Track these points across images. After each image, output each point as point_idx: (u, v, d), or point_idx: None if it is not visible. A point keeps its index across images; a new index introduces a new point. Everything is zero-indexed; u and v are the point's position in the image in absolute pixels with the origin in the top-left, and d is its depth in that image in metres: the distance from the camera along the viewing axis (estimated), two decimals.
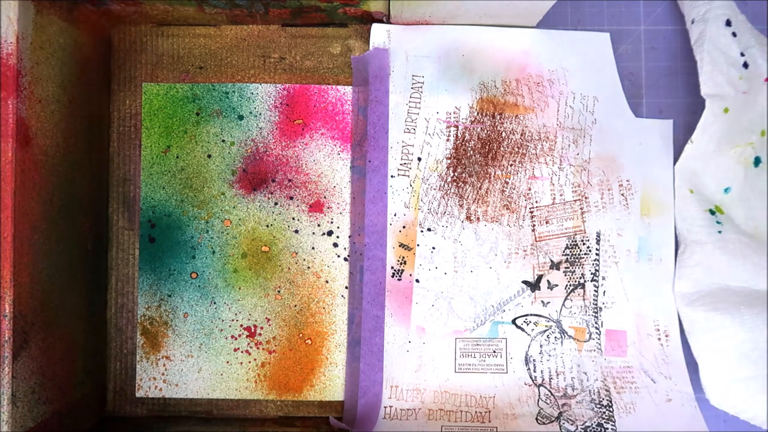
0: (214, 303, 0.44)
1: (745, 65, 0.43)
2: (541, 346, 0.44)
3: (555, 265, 0.44)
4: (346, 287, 0.45)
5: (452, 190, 0.45)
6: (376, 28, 0.44)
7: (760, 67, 0.42)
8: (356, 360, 0.44)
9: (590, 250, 0.44)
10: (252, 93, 0.45)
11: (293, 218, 0.45)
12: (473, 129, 0.45)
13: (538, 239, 0.45)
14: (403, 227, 0.44)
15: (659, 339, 0.44)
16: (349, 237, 0.45)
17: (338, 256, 0.45)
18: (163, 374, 0.44)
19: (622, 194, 0.45)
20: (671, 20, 0.46)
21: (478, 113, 0.45)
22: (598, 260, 0.44)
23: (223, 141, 0.45)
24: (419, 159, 0.45)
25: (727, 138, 0.43)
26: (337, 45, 0.45)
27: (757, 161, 0.44)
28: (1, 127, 0.34)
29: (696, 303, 0.43)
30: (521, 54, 0.45)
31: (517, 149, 0.45)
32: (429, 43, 0.45)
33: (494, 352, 0.44)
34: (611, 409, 0.43)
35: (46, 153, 0.37)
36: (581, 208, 0.45)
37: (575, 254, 0.44)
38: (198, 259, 0.44)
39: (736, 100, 0.43)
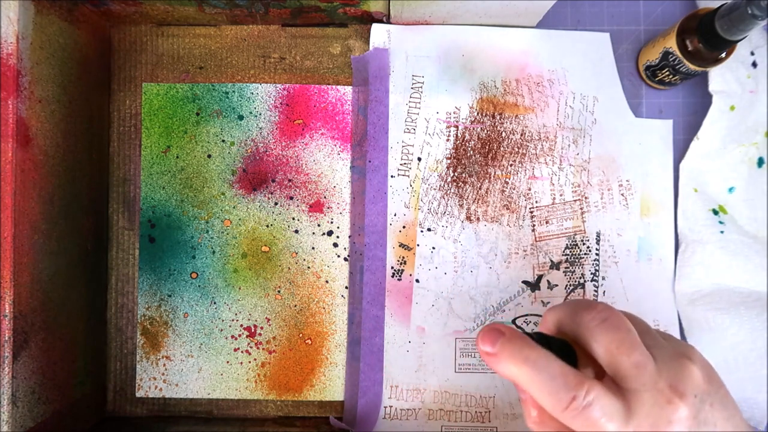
0: (214, 303, 0.44)
1: (754, 64, 0.43)
2: None
3: (555, 265, 0.44)
4: (346, 287, 0.45)
5: (452, 190, 0.45)
6: (376, 28, 0.44)
7: None
8: (356, 360, 0.44)
9: (590, 250, 0.44)
10: (252, 93, 0.45)
11: (293, 218, 0.45)
12: (473, 129, 0.45)
13: (538, 239, 0.45)
14: (403, 227, 0.44)
15: None
16: (349, 237, 0.45)
17: (338, 256, 0.45)
18: (163, 374, 0.44)
19: (622, 194, 0.45)
20: (671, 20, 0.46)
21: (478, 113, 0.45)
22: (598, 260, 0.44)
23: (223, 141, 0.45)
24: (419, 159, 0.45)
25: (732, 136, 0.43)
26: (337, 45, 0.45)
27: (760, 162, 0.44)
28: (1, 127, 0.34)
29: (696, 302, 0.43)
30: (521, 54, 0.45)
31: (517, 149, 0.45)
32: (429, 43, 0.45)
33: None
34: None
35: (46, 153, 0.37)
36: (581, 208, 0.45)
37: (575, 254, 0.44)
38: (198, 259, 0.44)
39: (742, 98, 0.43)
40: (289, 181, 0.45)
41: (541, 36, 0.45)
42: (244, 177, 0.45)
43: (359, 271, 0.44)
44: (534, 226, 0.45)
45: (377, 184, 0.44)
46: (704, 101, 0.44)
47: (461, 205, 0.45)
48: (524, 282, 0.44)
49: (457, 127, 0.45)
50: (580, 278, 0.44)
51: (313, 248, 0.45)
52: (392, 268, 0.44)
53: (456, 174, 0.45)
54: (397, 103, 0.45)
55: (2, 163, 0.34)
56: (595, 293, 0.44)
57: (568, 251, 0.45)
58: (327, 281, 0.45)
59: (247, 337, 0.44)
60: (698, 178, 0.44)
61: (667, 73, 0.42)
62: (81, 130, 0.41)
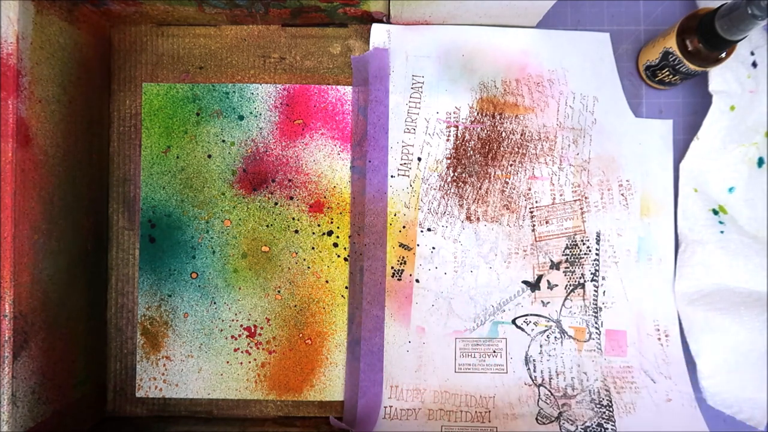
0: (214, 303, 0.44)
1: (754, 64, 0.43)
2: (541, 346, 0.44)
3: (555, 265, 0.44)
4: (346, 287, 0.45)
5: (452, 190, 0.45)
6: (376, 28, 0.44)
7: None
8: (356, 360, 0.44)
9: (590, 250, 0.44)
10: (252, 93, 0.45)
11: (293, 218, 0.45)
12: (473, 129, 0.45)
13: (538, 239, 0.45)
14: (403, 227, 0.44)
15: (659, 339, 0.44)
16: (349, 237, 0.45)
17: (338, 256, 0.45)
18: (163, 374, 0.44)
19: (622, 194, 0.45)
20: (671, 20, 0.46)
21: (478, 113, 0.45)
22: (598, 260, 0.44)
23: (224, 141, 0.45)
24: (419, 159, 0.45)
25: (732, 136, 0.43)
26: (337, 45, 0.45)
27: (760, 162, 0.44)
28: (1, 127, 0.34)
29: (696, 302, 0.43)
30: (521, 54, 0.45)
31: (517, 149, 0.45)
32: (429, 43, 0.45)
33: (494, 352, 0.44)
34: (611, 409, 0.43)
35: (46, 153, 0.37)
36: (581, 208, 0.45)
37: (575, 254, 0.44)
38: (198, 259, 0.44)
39: (742, 98, 0.43)
40: (289, 181, 0.45)
41: (541, 36, 0.45)
42: (244, 177, 0.45)
43: (359, 271, 0.44)
44: (534, 226, 0.45)
45: (377, 184, 0.44)
46: (704, 101, 0.44)
47: (461, 205, 0.45)
48: (524, 282, 0.44)
49: (457, 127, 0.45)
50: (580, 278, 0.44)
51: (313, 248, 0.45)
52: (392, 268, 0.44)
53: (456, 174, 0.45)
54: (397, 103, 0.45)
55: (2, 163, 0.34)
56: (595, 293, 0.44)
57: (568, 251, 0.45)
58: (327, 281, 0.45)
59: (247, 337, 0.44)
60: (698, 178, 0.44)
61: (667, 73, 0.42)
62: (81, 130, 0.41)
